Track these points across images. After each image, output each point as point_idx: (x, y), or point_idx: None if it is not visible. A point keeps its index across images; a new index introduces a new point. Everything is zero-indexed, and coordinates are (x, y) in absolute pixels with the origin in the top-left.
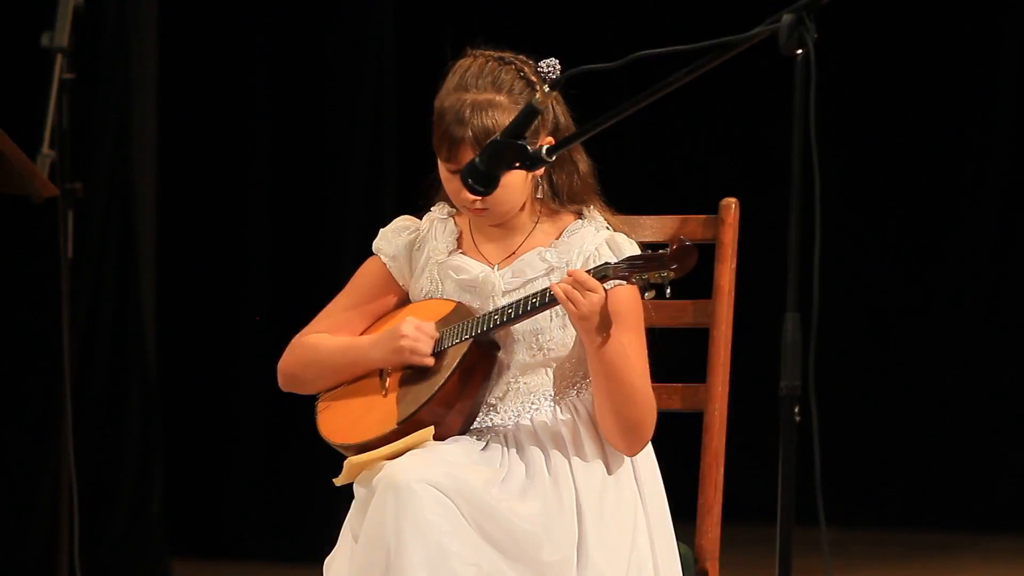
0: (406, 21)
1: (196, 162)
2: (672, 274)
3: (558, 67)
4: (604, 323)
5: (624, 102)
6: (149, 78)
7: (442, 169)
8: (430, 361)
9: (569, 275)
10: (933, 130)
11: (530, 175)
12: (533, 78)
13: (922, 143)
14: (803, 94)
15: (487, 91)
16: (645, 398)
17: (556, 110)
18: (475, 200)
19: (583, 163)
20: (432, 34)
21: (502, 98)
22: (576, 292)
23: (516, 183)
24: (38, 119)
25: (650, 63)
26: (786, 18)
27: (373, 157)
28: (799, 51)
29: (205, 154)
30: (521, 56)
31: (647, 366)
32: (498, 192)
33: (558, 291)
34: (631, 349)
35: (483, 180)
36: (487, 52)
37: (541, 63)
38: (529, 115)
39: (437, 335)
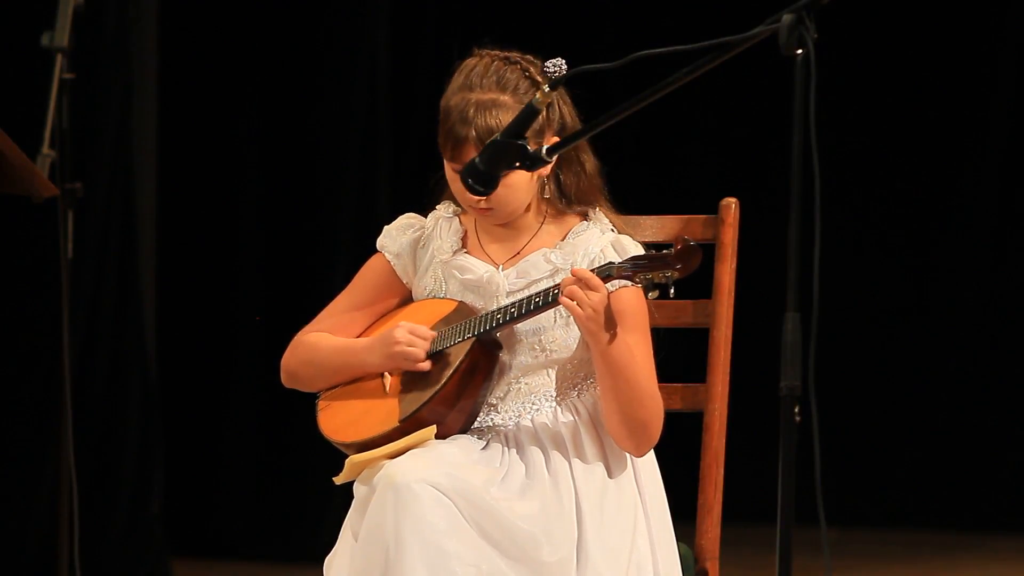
0: (400, 20)
1: (196, 162)
2: (676, 274)
3: (564, 67)
4: (608, 323)
5: (624, 102)
6: (149, 78)
7: (447, 168)
8: (425, 366)
9: (573, 273)
10: (933, 130)
11: (535, 175)
12: (539, 78)
13: (922, 143)
14: (803, 94)
15: (491, 90)
16: (652, 399)
17: (563, 110)
18: (479, 200)
19: (589, 162)
20: (427, 33)
21: (506, 97)
22: (579, 291)
23: (521, 183)
24: (38, 119)
25: (650, 63)
26: (786, 18)
27: (367, 156)
28: (799, 51)
29: (205, 154)
30: (528, 56)
31: (653, 367)
32: (503, 192)
33: (562, 289)
34: (637, 350)
35: (483, 180)
36: (493, 52)
37: (548, 63)
38: (529, 115)
39: (433, 337)
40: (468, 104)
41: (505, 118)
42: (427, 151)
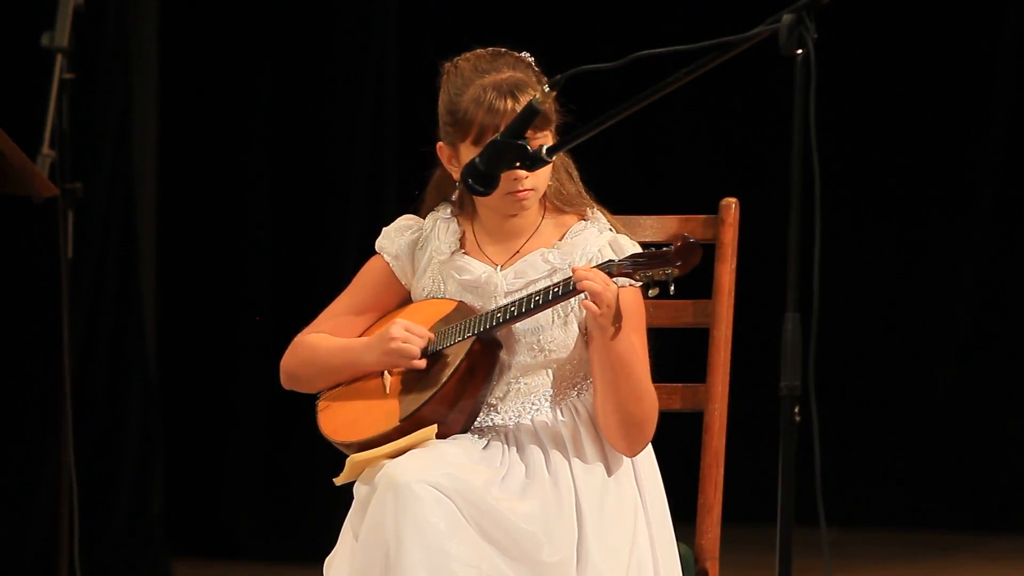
0: (408, 22)
1: (196, 162)
2: (676, 271)
3: (531, 60)
4: (616, 317)
5: (624, 102)
6: (149, 78)
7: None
8: (420, 364)
9: (587, 269)
10: (933, 130)
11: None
12: (528, 61)
13: (922, 143)
14: (803, 94)
15: (504, 71)
16: (650, 396)
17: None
18: (527, 178)
19: (574, 172)
20: (434, 35)
21: (520, 75)
22: (599, 284)
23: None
24: (38, 119)
25: (650, 63)
26: (786, 18)
27: (374, 157)
28: (799, 51)
29: (205, 154)
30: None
31: (649, 366)
32: (541, 170)
33: (584, 273)
34: (638, 347)
35: (483, 180)
36: (479, 52)
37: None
38: (529, 115)
39: (429, 336)
40: (488, 88)
41: (531, 91)
42: (432, 152)
